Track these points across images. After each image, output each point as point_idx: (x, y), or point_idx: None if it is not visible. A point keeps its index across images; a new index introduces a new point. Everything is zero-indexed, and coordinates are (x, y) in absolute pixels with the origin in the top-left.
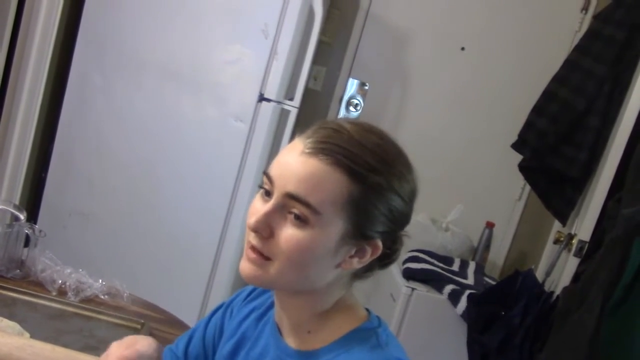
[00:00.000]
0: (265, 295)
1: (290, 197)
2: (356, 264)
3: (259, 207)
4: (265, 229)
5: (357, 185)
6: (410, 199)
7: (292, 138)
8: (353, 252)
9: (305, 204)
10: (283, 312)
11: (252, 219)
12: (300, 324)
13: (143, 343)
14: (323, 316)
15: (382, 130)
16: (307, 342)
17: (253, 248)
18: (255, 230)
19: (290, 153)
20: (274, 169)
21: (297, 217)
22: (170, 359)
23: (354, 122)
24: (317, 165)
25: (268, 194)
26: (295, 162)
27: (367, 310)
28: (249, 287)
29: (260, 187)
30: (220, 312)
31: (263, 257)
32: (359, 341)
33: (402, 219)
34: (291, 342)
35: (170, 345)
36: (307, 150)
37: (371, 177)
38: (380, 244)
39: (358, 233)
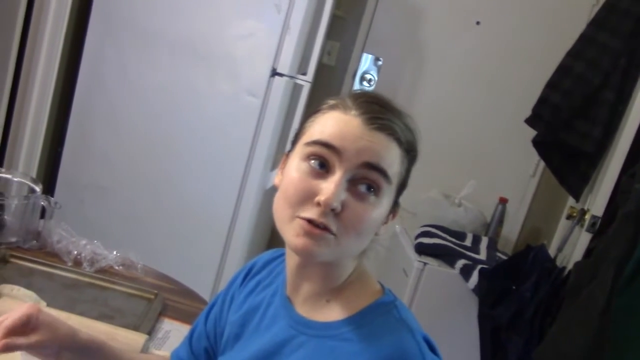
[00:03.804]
0: (269, 267)
1: (369, 166)
2: (384, 230)
3: (318, 183)
4: (340, 205)
5: (407, 159)
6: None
7: (305, 112)
8: (386, 219)
9: (383, 173)
10: (303, 281)
11: (327, 198)
12: (320, 293)
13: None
14: (341, 286)
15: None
16: (324, 313)
17: (317, 225)
18: (333, 208)
19: (350, 126)
20: (338, 141)
21: (369, 188)
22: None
23: (387, 98)
24: (385, 139)
25: (323, 165)
26: (364, 136)
27: (379, 282)
28: (246, 267)
29: (311, 159)
30: (218, 305)
31: (329, 232)
32: (379, 315)
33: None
34: (306, 312)
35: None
36: (370, 126)
37: (413, 151)
38: (398, 209)
39: (396, 201)
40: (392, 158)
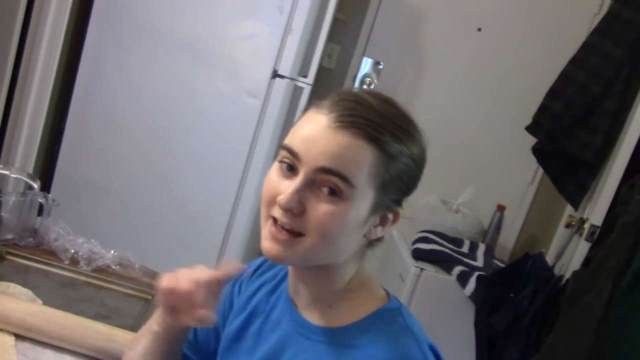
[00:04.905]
0: (276, 268)
1: (325, 171)
2: (380, 232)
3: (285, 184)
4: (298, 206)
5: (385, 157)
6: (422, 163)
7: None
8: (378, 221)
9: (342, 177)
10: (302, 285)
11: (281, 198)
12: (320, 297)
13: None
14: (343, 290)
15: (393, 98)
16: (328, 318)
17: (281, 227)
18: (288, 209)
19: (314, 127)
20: (299, 144)
21: (332, 192)
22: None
23: (370, 93)
24: (348, 140)
25: (291, 168)
26: (323, 137)
27: (384, 288)
28: (257, 261)
29: (281, 161)
30: (228, 286)
31: (294, 234)
32: (385, 322)
33: (415, 184)
34: (310, 316)
35: None
36: (333, 125)
37: (395, 147)
38: (400, 210)
39: (385, 203)
40: (355, 159)
